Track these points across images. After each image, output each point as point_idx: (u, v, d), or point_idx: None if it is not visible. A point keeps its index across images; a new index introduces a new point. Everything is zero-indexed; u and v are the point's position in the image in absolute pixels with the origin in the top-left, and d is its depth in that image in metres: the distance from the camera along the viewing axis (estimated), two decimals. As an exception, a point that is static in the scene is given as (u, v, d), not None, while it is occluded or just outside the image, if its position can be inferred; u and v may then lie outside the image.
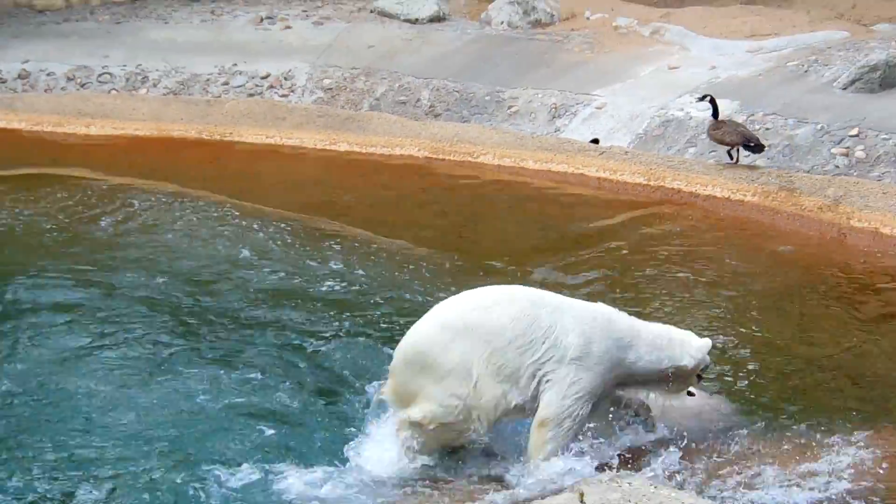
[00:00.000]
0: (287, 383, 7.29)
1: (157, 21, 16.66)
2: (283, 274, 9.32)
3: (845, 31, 14.70)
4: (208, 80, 14.24)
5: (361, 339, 7.97)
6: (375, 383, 6.98)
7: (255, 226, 10.36)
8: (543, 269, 9.58)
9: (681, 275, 9.64)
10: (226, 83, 14.64)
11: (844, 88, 12.75)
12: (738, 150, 11.74)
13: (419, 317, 6.47)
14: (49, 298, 8.49)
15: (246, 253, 9.67)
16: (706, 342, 6.77)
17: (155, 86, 14.60)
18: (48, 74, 14.83)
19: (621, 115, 13.25)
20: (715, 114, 11.72)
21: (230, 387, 7.20)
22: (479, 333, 6.33)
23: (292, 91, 14.44)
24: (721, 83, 13.57)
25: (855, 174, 11.30)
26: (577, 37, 15.71)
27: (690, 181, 11.69)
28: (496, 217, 11.44)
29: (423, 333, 6.41)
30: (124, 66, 14.94)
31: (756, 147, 11.57)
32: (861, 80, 12.70)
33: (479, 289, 6.58)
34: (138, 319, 8.21)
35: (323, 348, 7.83)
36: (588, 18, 16.37)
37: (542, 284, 8.22)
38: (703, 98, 12.06)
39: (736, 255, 10.21)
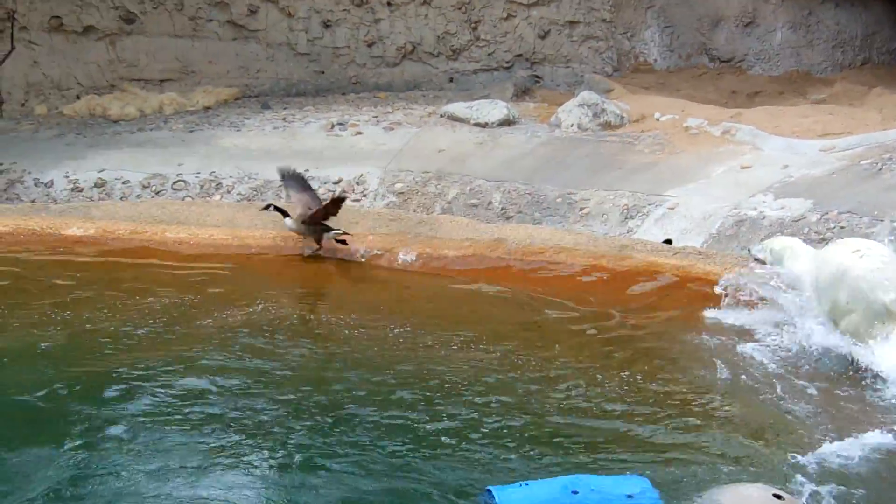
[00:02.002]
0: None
1: (230, 129, 16.88)
2: (379, 377, 9.24)
3: (917, 129, 14.64)
4: (281, 185, 14.30)
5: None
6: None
7: (345, 328, 10.37)
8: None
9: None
10: (301, 189, 14.76)
11: (919, 185, 12.68)
12: None
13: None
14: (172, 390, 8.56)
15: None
16: None
17: (229, 192, 14.73)
18: (124, 183, 15.00)
19: (694, 216, 13.19)
20: None
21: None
22: None
23: (364, 195, 14.52)
24: (794, 182, 13.50)
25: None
26: (647, 138, 15.73)
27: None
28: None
29: None
30: (198, 173, 15.10)
31: None
32: (936, 177, 12.64)
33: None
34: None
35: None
36: (658, 120, 16.40)
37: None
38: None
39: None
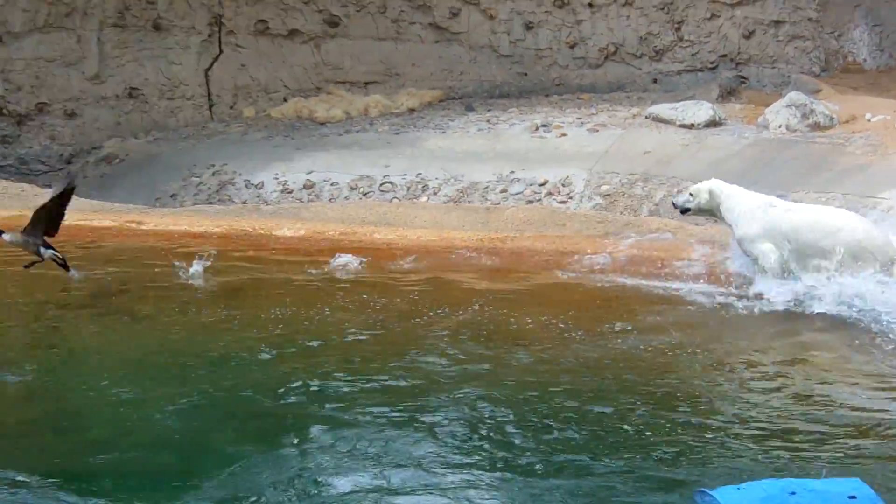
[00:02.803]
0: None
1: (435, 131, 17.00)
2: (595, 379, 9.16)
3: None
4: (487, 187, 14.39)
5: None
6: None
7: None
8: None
9: None
10: (504, 190, 14.79)
11: None
12: None
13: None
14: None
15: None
16: None
17: (435, 194, 14.84)
18: (332, 184, 15.24)
19: (912, 218, 12.87)
20: None
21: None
22: None
23: (570, 198, 14.49)
24: None
25: None
26: (858, 139, 15.39)
27: None
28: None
29: None
30: (405, 175, 15.24)
31: None
32: None
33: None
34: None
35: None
36: (869, 121, 16.02)
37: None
38: None
39: None
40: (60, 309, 10.68)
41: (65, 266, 10.82)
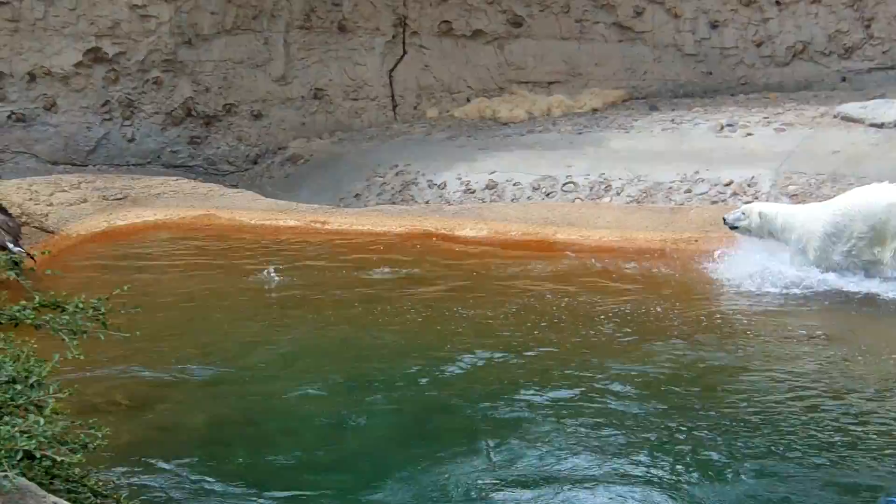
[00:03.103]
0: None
1: (618, 130, 16.88)
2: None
3: None
4: (671, 187, 14.23)
5: None
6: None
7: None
8: None
9: None
10: (688, 191, 14.60)
11: None
12: None
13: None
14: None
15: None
16: None
17: (618, 194, 14.72)
18: (514, 185, 15.22)
19: None
20: None
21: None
22: None
23: (756, 198, 14.20)
24: None
25: None
26: None
27: None
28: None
29: None
30: (587, 175, 15.15)
31: None
32: None
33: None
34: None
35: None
36: None
37: None
38: None
39: None
40: (263, 308, 10.89)
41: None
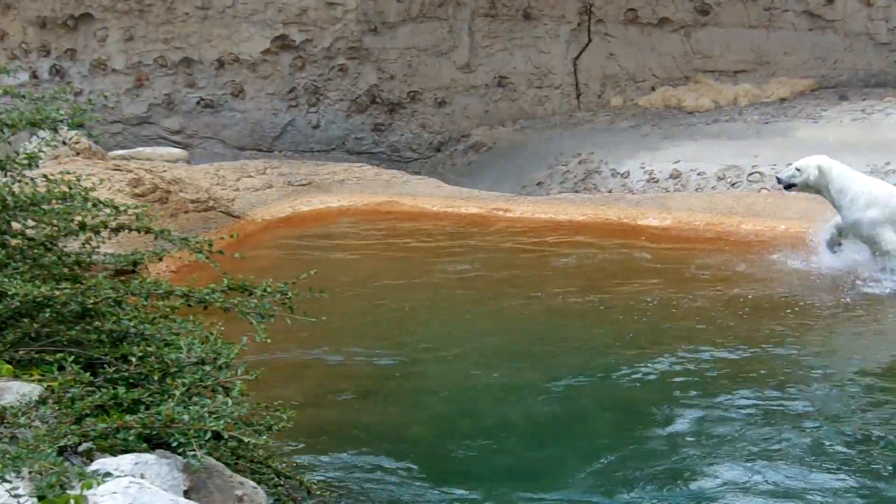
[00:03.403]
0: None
1: (807, 120, 16.58)
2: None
3: None
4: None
5: None
6: None
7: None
8: None
9: None
10: (879, 182, 14.25)
11: None
12: None
13: None
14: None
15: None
16: None
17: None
18: (699, 174, 15.03)
19: None
20: None
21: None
22: None
23: (950, 191, 13.81)
24: None
25: None
26: None
27: None
28: None
29: None
30: (774, 165, 14.85)
31: None
32: None
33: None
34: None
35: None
36: None
37: None
38: None
39: None
40: (452, 296, 10.86)
41: None
